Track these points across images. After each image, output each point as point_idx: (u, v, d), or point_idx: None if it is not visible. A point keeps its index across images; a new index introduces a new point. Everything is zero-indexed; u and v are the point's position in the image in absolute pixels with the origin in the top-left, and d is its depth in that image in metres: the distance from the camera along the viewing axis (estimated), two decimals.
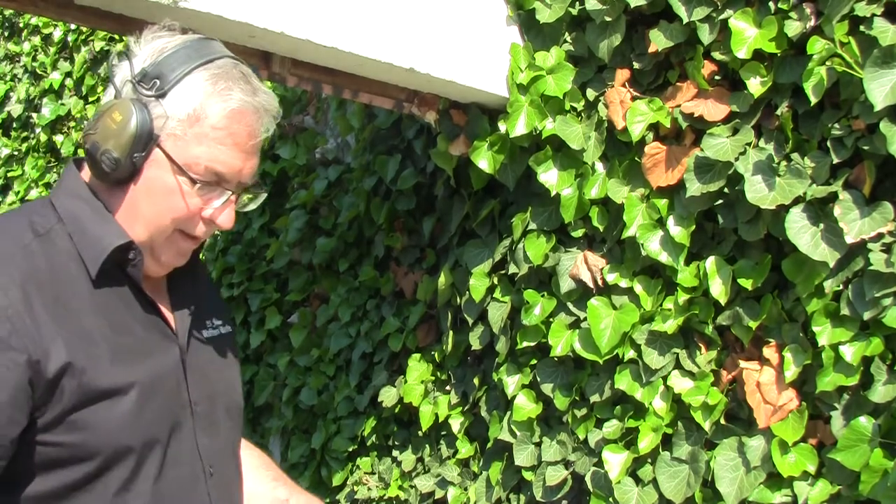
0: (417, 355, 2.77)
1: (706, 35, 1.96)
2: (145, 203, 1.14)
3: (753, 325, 1.92)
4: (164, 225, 1.15)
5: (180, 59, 1.13)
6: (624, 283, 2.14)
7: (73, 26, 4.53)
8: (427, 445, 2.75)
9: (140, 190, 1.14)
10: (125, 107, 1.11)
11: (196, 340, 1.27)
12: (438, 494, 2.66)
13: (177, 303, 1.25)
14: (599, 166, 2.20)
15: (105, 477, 1.09)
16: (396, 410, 2.83)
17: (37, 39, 4.87)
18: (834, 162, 1.80)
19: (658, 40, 2.04)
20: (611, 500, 2.13)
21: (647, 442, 2.06)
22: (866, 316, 1.73)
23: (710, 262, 1.97)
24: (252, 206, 1.26)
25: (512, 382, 2.37)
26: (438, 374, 2.71)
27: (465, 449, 2.58)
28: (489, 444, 2.50)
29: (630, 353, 2.11)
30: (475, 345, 2.51)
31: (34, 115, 4.86)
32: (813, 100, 1.78)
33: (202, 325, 1.30)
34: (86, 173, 1.18)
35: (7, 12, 5.14)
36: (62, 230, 1.13)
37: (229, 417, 1.29)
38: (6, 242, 1.09)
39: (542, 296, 2.30)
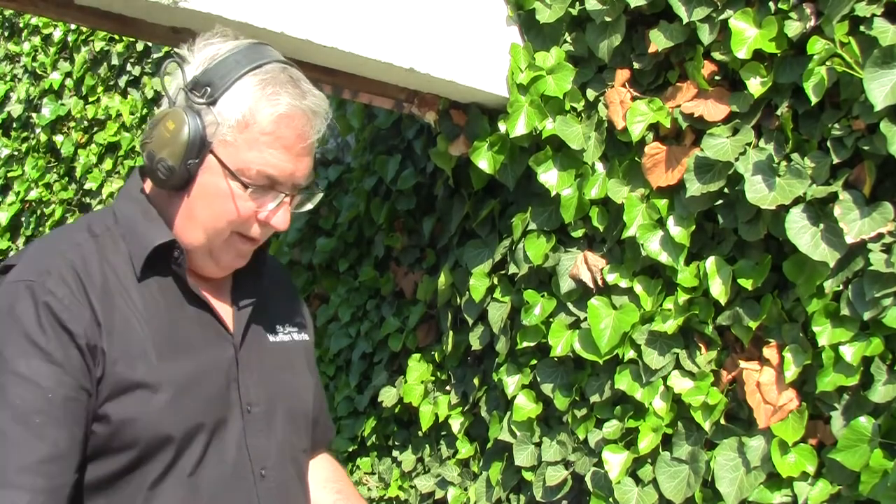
0: (417, 355, 2.77)
1: (706, 35, 1.96)
2: (201, 208, 1.17)
3: (753, 325, 1.92)
4: (220, 228, 1.18)
5: (230, 66, 1.16)
6: (624, 284, 2.14)
7: (72, 26, 4.53)
8: (427, 445, 2.75)
9: (195, 195, 1.17)
10: (178, 115, 1.14)
11: (257, 342, 1.28)
12: (438, 495, 2.66)
13: (237, 303, 1.27)
14: (599, 166, 2.20)
15: (143, 468, 1.11)
16: (396, 410, 2.83)
17: (37, 39, 4.87)
18: (834, 162, 1.80)
19: (658, 40, 2.04)
20: (611, 500, 2.13)
21: (647, 442, 2.06)
22: (866, 316, 1.73)
23: (710, 263, 1.97)
24: (308, 207, 1.27)
25: (512, 382, 2.37)
26: (438, 374, 2.71)
27: (465, 449, 2.58)
28: (489, 445, 2.50)
29: (630, 354, 2.11)
30: (475, 345, 2.51)
31: (34, 115, 4.86)
32: (813, 100, 1.78)
33: (270, 328, 1.31)
34: (148, 182, 1.24)
35: (7, 12, 5.15)
36: (117, 231, 1.19)
37: (291, 422, 1.29)
38: (62, 240, 1.15)
39: (542, 296, 2.30)
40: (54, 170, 4.76)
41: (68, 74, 4.64)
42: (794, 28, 1.83)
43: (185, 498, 1.14)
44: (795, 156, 1.85)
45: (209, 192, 1.16)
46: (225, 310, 1.26)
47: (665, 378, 2.06)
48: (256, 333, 1.28)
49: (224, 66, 1.15)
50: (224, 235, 1.19)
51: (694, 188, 1.97)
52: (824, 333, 1.78)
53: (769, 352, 1.90)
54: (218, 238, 1.19)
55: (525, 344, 2.33)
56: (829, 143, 1.81)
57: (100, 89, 4.44)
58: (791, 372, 1.83)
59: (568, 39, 2.26)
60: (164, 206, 1.21)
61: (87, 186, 4.40)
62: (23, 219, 4.98)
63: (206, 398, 1.17)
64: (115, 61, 4.28)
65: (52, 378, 1.05)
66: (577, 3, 2.19)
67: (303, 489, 1.32)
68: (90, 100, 4.50)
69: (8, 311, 1.08)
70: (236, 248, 1.21)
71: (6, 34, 5.18)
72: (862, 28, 1.73)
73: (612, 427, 2.15)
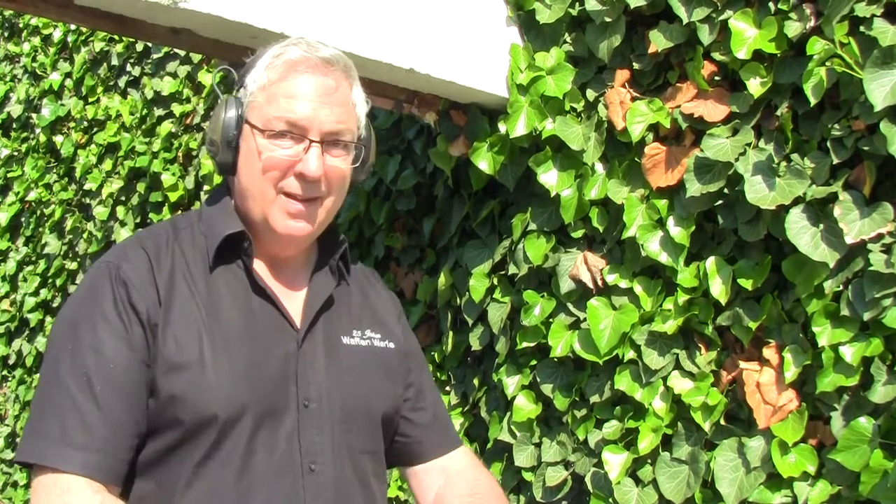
0: None
1: (706, 36, 1.96)
2: (245, 175, 1.26)
3: (753, 325, 1.92)
4: (265, 191, 1.24)
5: (260, 55, 1.29)
6: (624, 284, 2.14)
7: (72, 27, 4.52)
8: None
9: (241, 166, 1.27)
10: (220, 102, 1.27)
11: (327, 341, 1.31)
12: None
13: (309, 301, 1.32)
14: (599, 167, 2.20)
15: (187, 448, 1.17)
16: None
17: (36, 40, 4.86)
18: (834, 162, 1.80)
19: (658, 41, 2.04)
20: (611, 500, 2.13)
21: (646, 442, 2.06)
22: (866, 316, 1.73)
23: (710, 263, 1.97)
24: (358, 163, 1.32)
25: (512, 383, 2.37)
26: (438, 374, 2.71)
27: None
28: (489, 445, 2.50)
29: (630, 354, 2.11)
30: (475, 345, 2.51)
31: (34, 115, 4.86)
32: (813, 100, 1.78)
33: (345, 330, 1.35)
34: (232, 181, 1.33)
35: (7, 13, 5.15)
36: (199, 228, 1.29)
37: (350, 423, 1.30)
38: (147, 233, 1.29)
39: (542, 296, 2.30)
40: (54, 170, 4.75)
41: (68, 75, 4.63)
42: (793, 28, 1.83)
43: (228, 481, 1.17)
44: (795, 156, 1.85)
45: (246, 156, 1.25)
46: (295, 306, 1.30)
47: (665, 378, 2.06)
48: (327, 332, 1.32)
49: (256, 57, 1.29)
50: (271, 197, 1.24)
51: (694, 188, 1.97)
52: (824, 334, 1.78)
53: (769, 352, 1.90)
54: (268, 204, 1.24)
55: (525, 344, 2.33)
56: (828, 144, 1.81)
57: (99, 90, 4.44)
58: (791, 372, 1.83)
59: (568, 40, 2.26)
60: (232, 191, 1.31)
61: (86, 187, 4.39)
62: (22, 219, 4.98)
63: (256, 386, 1.20)
64: (114, 62, 4.28)
65: (117, 351, 1.15)
66: (577, 3, 2.19)
67: (363, 490, 1.32)
68: (90, 100, 4.49)
69: (89, 288, 1.20)
70: (285, 208, 1.25)
71: (6, 34, 5.18)
72: (862, 28, 1.74)
73: (611, 427, 2.15)
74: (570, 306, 2.24)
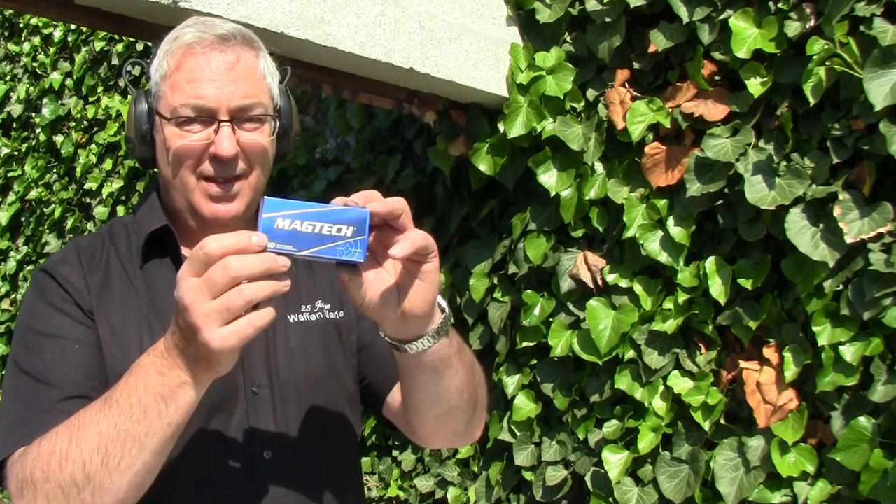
0: None
1: (706, 35, 1.96)
2: (164, 167, 1.25)
3: (753, 325, 1.92)
4: (184, 178, 1.22)
5: (158, 44, 1.26)
6: (624, 284, 2.14)
7: (73, 26, 4.52)
8: None
9: (159, 159, 1.26)
10: (130, 99, 1.27)
11: (271, 323, 1.27)
12: (438, 494, 2.66)
13: None
14: (599, 167, 2.20)
15: None
16: None
17: (37, 39, 4.86)
18: (834, 162, 1.80)
19: (658, 41, 2.04)
20: (611, 500, 2.13)
21: (646, 442, 2.06)
22: (866, 316, 1.73)
23: (710, 262, 1.97)
24: (273, 136, 1.29)
25: (512, 382, 2.38)
26: None
27: (465, 449, 2.58)
28: (489, 444, 2.50)
29: (630, 353, 2.11)
30: (475, 345, 2.51)
31: (34, 115, 4.86)
32: (813, 100, 1.78)
33: (292, 307, 1.30)
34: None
35: (7, 12, 5.14)
36: (132, 228, 1.29)
37: (307, 404, 1.27)
38: (84, 239, 1.29)
39: (542, 296, 2.30)
40: (54, 170, 4.76)
41: (68, 74, 4.64)
42: (793, 28, 1.83)
43: (183, 476, 1.14)
44: (795, 156, 1.85)
45: (161, 147, 1.24)
46: None
47: (665, 378, 2.06)
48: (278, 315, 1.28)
49: (156, 46, 1.26)
50: (192, 185, 1.22)
51: (694, 188, 1.97)
52: (824, 333, 1.79)
53: (769, 352, 1.90)
54: (190, 192, 1.23)
55: (525, 344, 2.33)
56: (828, 143, 1.81)
57: (100, 89, 4.44)
58: (791, 372, 1.84)
59: (568, 39, 2.26)
60: (161, 188, 1.30)
61: (86, 186, 4.40)
62: (23, 218, 4.98)
63: None
64: (115, 61, 4.28)
65: (78, 332, 1.16)
66: (578, 3, 2.20)
67: (328, 471, 1.29)
68: (90, 100, 4.49)
69: (35, 293, 1.21)
70: (206, 192, 1.23)
71: (6, 34, 5.18)
72: (862, 28, 1.74)
73: (611, 427, 2.15)
74: (570, 306, 2.24)
